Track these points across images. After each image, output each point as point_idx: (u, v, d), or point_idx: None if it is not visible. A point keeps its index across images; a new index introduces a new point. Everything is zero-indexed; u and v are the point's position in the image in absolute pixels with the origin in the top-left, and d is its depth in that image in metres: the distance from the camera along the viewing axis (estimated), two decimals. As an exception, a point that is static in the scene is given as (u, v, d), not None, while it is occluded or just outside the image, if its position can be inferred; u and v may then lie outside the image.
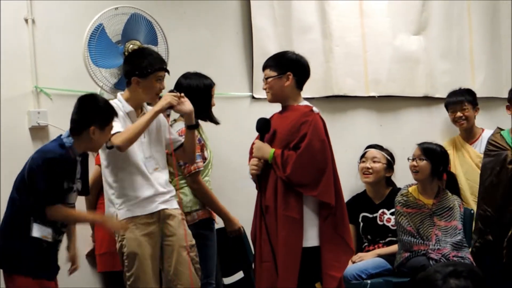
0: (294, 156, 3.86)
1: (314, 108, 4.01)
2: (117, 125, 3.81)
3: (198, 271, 4.01)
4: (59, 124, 4.37)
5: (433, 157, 4.84)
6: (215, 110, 4.64)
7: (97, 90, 4.40)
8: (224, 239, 4.59)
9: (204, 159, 4.43)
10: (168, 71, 4.00)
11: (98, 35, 4.28)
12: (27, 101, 4.50)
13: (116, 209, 3.89)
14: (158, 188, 3.93)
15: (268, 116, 4.14)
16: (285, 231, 3.85)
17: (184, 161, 4.25)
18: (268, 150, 3.94)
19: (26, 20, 4.51)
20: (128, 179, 3.89)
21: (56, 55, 4.58)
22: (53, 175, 3.61)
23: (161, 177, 3.98)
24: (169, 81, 4.55)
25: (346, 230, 4.01)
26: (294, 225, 3.86)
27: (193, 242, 4.02)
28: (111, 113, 3.73)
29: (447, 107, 5.47)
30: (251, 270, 4.65)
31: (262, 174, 3.98)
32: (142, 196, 3.88)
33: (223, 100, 4.99)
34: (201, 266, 4.14)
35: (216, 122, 4.52)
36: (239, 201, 4.86)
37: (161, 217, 3.93)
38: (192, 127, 4.06)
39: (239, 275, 4.80)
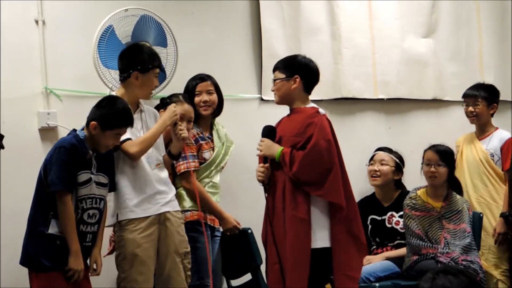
0: (301, 155, 3.88)
1: (320, 110, 4.04)
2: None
3: (188, 278, 4.00)
4: (69, 125, 4.37)
5: (450, 161, 4.84)
6: (223, 111, 4.66)
7: (107, 91, 4.40)
8: (231, 241, 4.59)
9: (204, 160, 4.45)
10: (163, 69, 4.08)
11: (108, 36, 4.29)
12: (37, 102, 4.51)
13: (119, 210, 3.91)
14: (159, 187, 3.95)
15: (276, 119, 4.17)
16: (293, 232, 3.87)
17: None
18: (276, 149, 3.96)
19: (37, 21, 4.51)
20: (129, 178, 3.91)
21: (66, 56, 4.58)
22: (63, 162, 3.65)
23: (162, 174, 4.01)
24: (178, 82, 4.59)
25: (361, 229, 4.04)
26: (302, 226, 3.87)
27: (188, 249, 4.02)
28: (120, 121, 3.73)
29: (463, 99, 5.32)
30: (259, 272, 4.65)
31: (271, 176, 3.99)
32: (143, 195, 3.89)
33: (232, 101, 4.98)
34: (192, 268, 4.17)
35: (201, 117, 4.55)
36: (246, 202, 4.87)
37: (161, 219, 3.93)
38: (172, 157, 4.13)
39: (247, 277, 4.79)
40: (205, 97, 4.51)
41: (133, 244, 3.85)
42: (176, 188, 4.39)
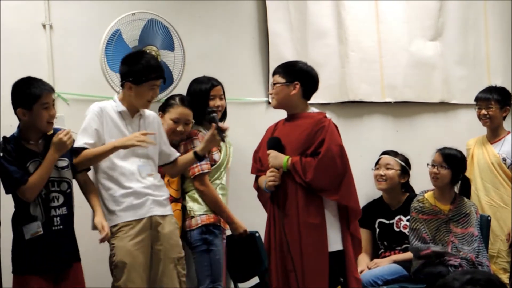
0: (314, 162, 3.88)
1: (327, 115, 4.06)
2: (84, 137, 3.86)
3: (183, 284, 3.95)
4: (76, 129, 4.36)
5: (454, 164, 4.81)
6: (231, 115, 4.65)
7: (114, 95, 4.40)
8: (238, 245, 4.59)
9: (214, 161, 4.46)
10: (164, 79, 3.96)
11: (115, 40, 4.30)
12: (44, 106, 4.51)
13: (107, 216, 3.84)
14: (149, 191, 3.87)
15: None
16: (310, 238, 3.88)
17: (168, 173, 4.25)
18: (282, 158, 3.95)
19: (44, 26, 4.53)
20: (115, 183, 3.85)
21: (73, 60, 4.59)
22: (4, 166, 3.68)
23: (155, 181, 3.93)
24: (186, 85, 4.59)
25: (359, 232, 4.10)
26: (317, 231, 3.89)
27: (182, 254, 3.96)
28: (36, 95, 3.71)
29: (476, 102, 5.29)
30: (266, 275, 4.65)
31: (282, 187, 3.97)
32: (130, 200, 3.83)
33: (239, 105, 4.99)
34: (206, 271, 4.20)
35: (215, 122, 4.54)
36: (254, 205, 4.84)
37: (152, 224, 3.86)
38: (198, 158, 4.09)
39: (255, 280, 4.79)
40: (218, 102, 4.53)
41: (122, 251, 3.79)
42: (187, 192, 4.40)
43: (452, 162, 4.81)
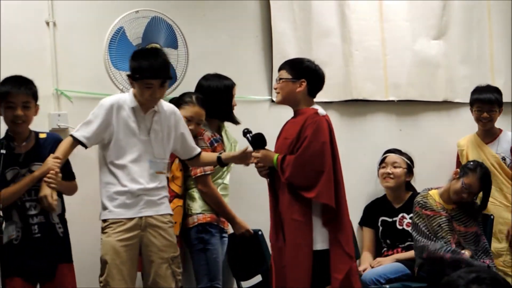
0: (293, 159, 3.87)
1: (320, 111, 3.99)
2: (85, 129, 3.81)
3: (179, 283, 3.92)
4: (79, 127, 4.39)
5: None
6: (234, 113, 4.66)
7: (117, 93, 4.41)
8: (241, 243, 4.59)
9: None
10: (165, 78, 3.85)
11: (118, 38, 4.30)
12: (48, 104, 4.50)
13: (100, 210, 3.83)
14: (145, 191, 3.82)
15: (286, 120, 4.16)
16: (292, 235, 3.87)
17: (192, 166, 4.27)
18: (272, 156, 3.95)
19: (48, 23, 4.53)
20: (113, 177, 3.81)
21: (76, 58, 4.58)
22: None
23: (157, 179, 3.87)
24: (189, 84, 4.59)
25: (344, 236, 3.95)
26: (300, 228, 3.86)
27: (176, 253, 3.92)
28: (1, 92, 3.71)
29: (473, 103, 5.24)
30: (269, 273, 4.65)
31: (275, 181, 3.98)
32: (125, 197, 3.78)
33: (242, 103, 4.98)
34: (203, 270, 4.20)
35: (236, 122, 4.57)
36: (256, 203, 4.85)
37: (143, 225, 3.81)
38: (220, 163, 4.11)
39: (257, 278, 4.79)
40: (235, 101, 4.57)
41: (107, 247, 3.77)
42: (188, 189, 4.40)
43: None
